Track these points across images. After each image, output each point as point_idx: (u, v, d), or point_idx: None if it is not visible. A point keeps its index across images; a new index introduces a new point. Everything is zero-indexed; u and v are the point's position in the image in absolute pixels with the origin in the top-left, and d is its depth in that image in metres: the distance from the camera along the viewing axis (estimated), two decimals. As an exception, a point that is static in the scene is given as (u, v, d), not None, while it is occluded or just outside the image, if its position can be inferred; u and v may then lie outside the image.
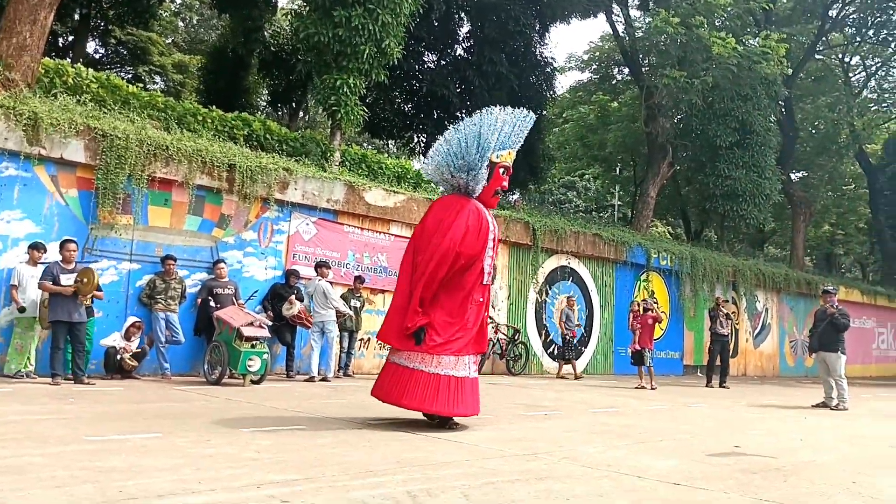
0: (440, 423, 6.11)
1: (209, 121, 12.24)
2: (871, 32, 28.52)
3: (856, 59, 30.87)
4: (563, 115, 32.72)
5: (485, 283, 6.23)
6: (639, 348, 13.33)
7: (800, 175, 31.99)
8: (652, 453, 5.39)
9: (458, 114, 21.62)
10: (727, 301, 16.14)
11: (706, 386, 14.31)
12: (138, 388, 8.41)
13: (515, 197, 19.55)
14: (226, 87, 20.06)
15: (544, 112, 24.92)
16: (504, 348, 14.13)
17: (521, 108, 6.49)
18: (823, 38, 27.79)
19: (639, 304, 14.10)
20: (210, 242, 10.70)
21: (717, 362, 14.73)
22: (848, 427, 8.28)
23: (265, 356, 9.21)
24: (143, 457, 4.25)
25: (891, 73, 31.44)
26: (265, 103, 26.38)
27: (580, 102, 31.82)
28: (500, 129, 6.23)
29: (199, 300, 10.16)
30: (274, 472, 4.01)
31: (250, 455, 4.49)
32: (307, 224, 11.77)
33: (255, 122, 13.01)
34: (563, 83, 34.74)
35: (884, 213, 31.00)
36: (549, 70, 23.64)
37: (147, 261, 10.01)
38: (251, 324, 9.18)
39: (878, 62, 30.58)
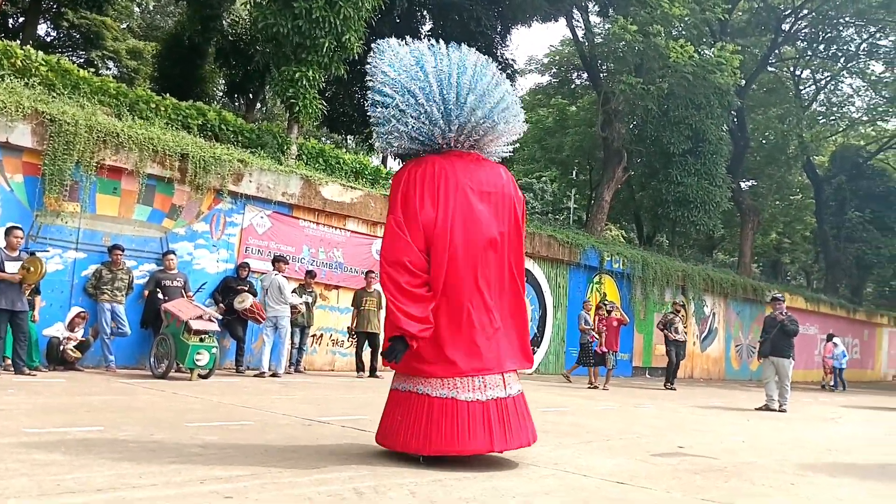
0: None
1: (162, 109, 11.97)
2: (821, 47, 29.44)
3: (806, 73, 31.82)
4: (523, 117, 32.88)
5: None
6: (605, 350, 13.57)
7: (749, 184, 32.83)
8: (598, 452, 5.46)
9: (417, 111, 21.62)
10: (683, 305, 16.44)
11: (669, 389, 14.38)
12: (81, 379, 8.18)
13: (473, 197, 19.56)
14: (181, 75, 19.62)
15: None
16: (457, 347, 14.14)
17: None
18: (776, 51, 28.56)
19: (604, 307, 14.35)
20: (160, 233, 10.47)
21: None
22: (788, 430, 8.52)
23: (214, 350, 9.06)
24: (84, 450, 4.13)
25: (839, 87, 32.50)
26: (221, 93, 25.91)
27: (539, 105, 32.09)
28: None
29: (147, 292, 9.93)
30: (219, 467, 3.94)
31: (195, 450, 4.41)
32: (261, 217, 11.61)
33: (210, 112, 12.77)
34: (524, 85, 34.95)
35: (828, 223, 32.03)
36: (509, 72, 23.71)
37: (94, 250, 9.74)
38: (200, 317, 9.02)
39: (828, 76, 31.56)
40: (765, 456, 5.96)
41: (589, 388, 13.14)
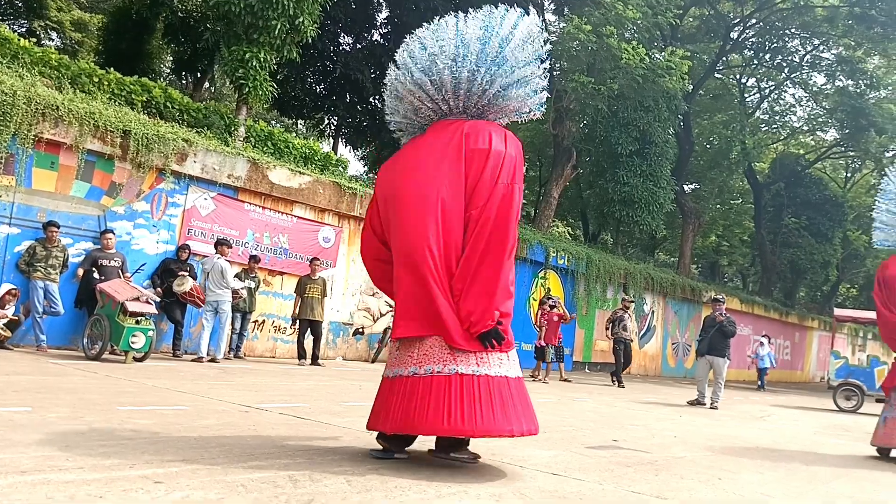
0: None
1: (106, 83, 11.60)
2: (767, 57, 30.34)
3: (751, 81, 32.76)
4: (475, 111, 33.01)
5: None
6: (543, 344, 13.78)
7: (692, 187, 33.66)
8: (535, 444, 5.54)
9: (371, 99, 21.46)
10: (633, 301, 16.63)
11: (619, 387, 14.40)
12: (10, 358, 7.90)
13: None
14: (127, 49, 19.01)
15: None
16: (401, 337, 14.14)
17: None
18: (723, 58, 29.30)
19: (546, 302, 14.54)
20: (98, 211, 10.16)
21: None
22: (719, 426, 8.80)
23: (150, 333, 8.85)
24: (10, 431, 4.00)
25: (782, 96, 33.57)
26: (168, 70, 25.22)
27: (493, 99, 32.19)
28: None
29: (83, 271, 9.64)
30: (150, 452, 3.86)
31: (126, 434, 4.31)
32: (205, 199, 11.37)
33: (155, 89, 12.43)
34: (478, 78, 34.97)
35: (766, 228, 33.10)
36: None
37: (28, 226, 9.40)
38: (137, 298, 8.81)
39: (772, 85, 32.56)
40: (695, 451, 6.15)
41: (532, 380, 13.33)
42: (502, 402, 4.03)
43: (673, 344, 23.78)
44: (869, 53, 28.37)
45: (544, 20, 23.72)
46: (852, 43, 27.60)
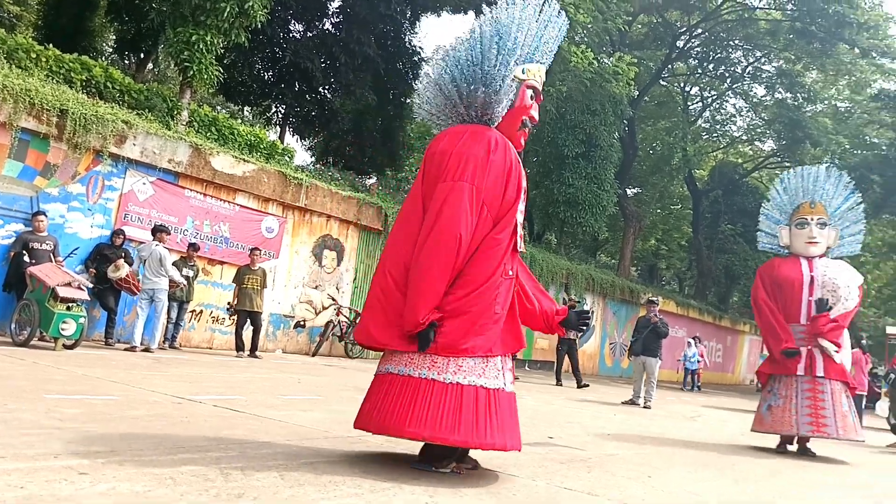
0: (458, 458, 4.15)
1: (44, 60, 11.16)
2: (710, 66, 31.18)
3: (695, 90, 33.64)
4: (426, 106, 33.01)
5: (519, 248, 4.31)
6: None
7: (634, 191, 34.39)
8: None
9: (320, 89, 21.20)
10: (578, 302, 16.77)
11: (556, 385, 14.53)
12: (-73, 344, 7.54)
13: (372, 181, 19.51)
14: (68, 26, 18.32)
15: (408, 100, 25.01)
16: (344, 331, 14.06)
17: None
18: (669, 66, 30.00)
19: None
20: (30, 192, 9.77)
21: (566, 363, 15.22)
22: (652, 425, 9.02)
23: (82, 320, 8.56)
24: (-79, 420, 3.81)
25: (724, 106, 34.57)
26: (111, 49, 24.40)
27: (443, 95, 32.23)
28: (528, 30, 4.34)
29: (12, 253, 9.25)
30: (77, 442, 3.74)
31: (52, 423, 4.16)
32: (144, 183, 11.06)
33: (95, 68, 12.01)
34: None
35: (703, 234, 34.05)
36: (416, 59, 23.72)
37: (-48, 204, 8.98)
38: (68, 284, 8.51)
39: (714, 95, 33.49)
40: (627, 449, 6.29)
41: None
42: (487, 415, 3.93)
43: (611, 344, 24.26)
44: (807, 68, 29.45)
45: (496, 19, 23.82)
46: (792, 57, 28.61)
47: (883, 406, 11.68)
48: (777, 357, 7.50)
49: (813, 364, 7.40)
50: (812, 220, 7.73)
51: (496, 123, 4.25)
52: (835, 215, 7.82)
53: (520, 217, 4.25)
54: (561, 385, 14.61)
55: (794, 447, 7.74)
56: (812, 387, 7.35)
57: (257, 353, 11.35)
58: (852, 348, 11.63)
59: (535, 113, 4.37)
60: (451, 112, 4.36)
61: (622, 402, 11.95)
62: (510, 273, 4.17)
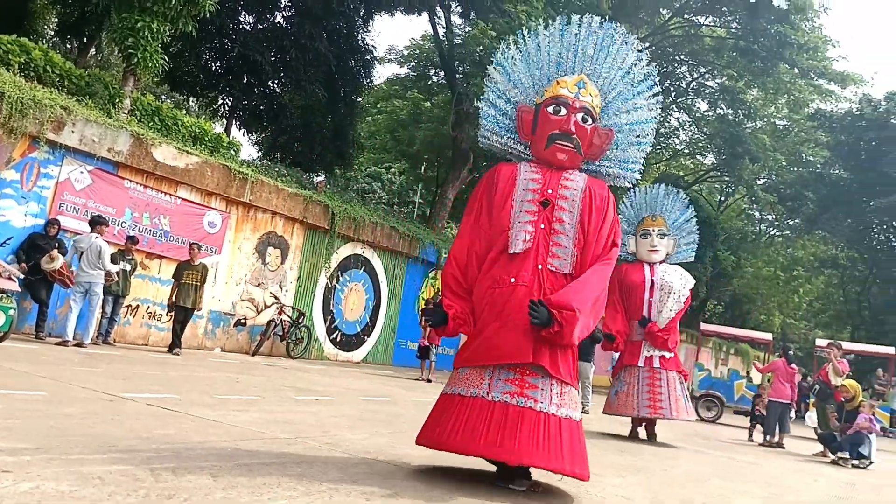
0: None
1: (-22, 40, 10.73)
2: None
3: (641, 103, 34.34)
4: (378, 106, 32.90)
5: (512, 251, 4.32)
6: (427, 344, 13.95)
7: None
8: (412, 443, 5.57)
9: (270, 82, 20.91)
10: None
11: None
12: None
13: (320, 179, 19.34)
14: (7, 7, 17.64)
15: (359, 98, 24.87)
16: (286, 330, 13.88)
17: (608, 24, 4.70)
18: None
19: (433, 303, 14.67)
20: (-42, 176, 9.36)
21: None
22: (588, 430, 9.16)
23: (11, 312, 8.22)
24: None
25: (668, 119, 35.40)
26: (52, 32, 23.61)
27: (395, 96, 32.16)
28: (541, 56, 4.63)
29: (-64, 241, 8.85)
30: (0, 438, 3.60)
31: (-28, 420, 3.99)
32: (81, 172, 10.70)
33: (35, 51, 11.59)
34: (382, 74, 34.95)
35: (645, 243, 34.76)
36: (368, 57, 23.62)
37: None
38: (-2, 274, 8.17)
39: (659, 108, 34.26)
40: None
41: (416, 380, 13.48)
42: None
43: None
44: (749, 85, 30.40)
45: (450, 22, 23.95)
46: (735, 74, 29.49)
47: (812, 416, 12.14)
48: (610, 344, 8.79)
49: (651, 357, 8.68)
50: (653, 231, 8.92)
51: (532, 151, 4.59)
52: (673, 227, 9.00)
53: (517, 226, 4.36)
54: None
55: (644, 435, 8.96)
56: (651, 375, 8.61)
57: (179, 349, 11.02)
58: (779, 357, 12.14)
59: (566, 124, 4.43)
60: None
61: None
62: (510, 280, 4.28)
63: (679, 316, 8.93)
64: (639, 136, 4.71)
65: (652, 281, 8.81)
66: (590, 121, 4.51)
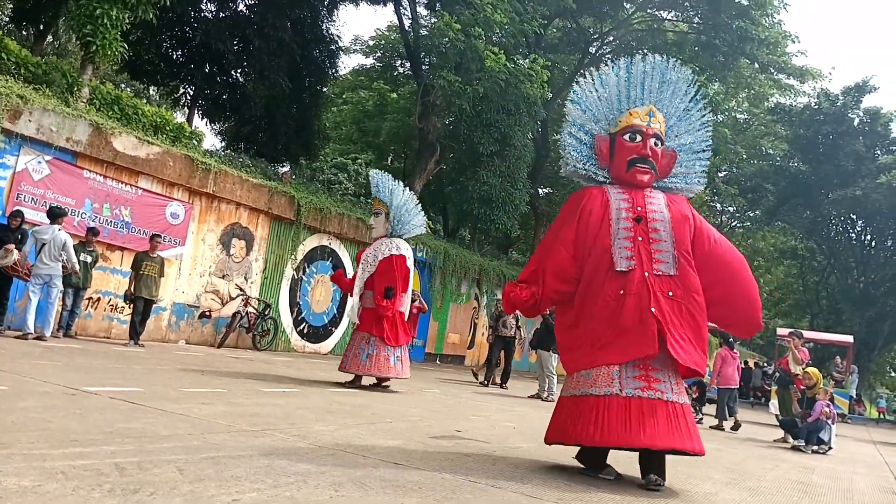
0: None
1: (-73, 24, 10.36)
2: (620, 74, 32.21)
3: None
4: (343, 96, 32.66)
5: (619, 269, 4.86)
6: None
7: (546, 191, 35.15)
8: (380, 434, 5.58)
9: (233, 72, 20.61)
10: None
11: (481, 384, 13.77)
12: None
13: (285, 170, 19.15)
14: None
15: (324, 89, 24.65)
16: (252, 322, 13.75)
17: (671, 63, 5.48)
18: (582, 71, 30.79)
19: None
20: None
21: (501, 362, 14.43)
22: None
23: (-34, 305, 8.01)
24: None
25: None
26: (7, 19, 22.93)
27: (361, 87, 31.96)
28: (608, 93, 5.33)
29: None
30: (-45, 436, 3.51)
31: (-73, 416, 3.89)
32: (39, 162, 10.44)
33: (-12, 37, 11.26)
34: (347, 64, 34.69)
35: (608, 234, 35.14)
36: (333, 48, 23.43)
37: None
38: (-48, 267, 7.94)
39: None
40: (531, 441, 6.44)
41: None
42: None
43: (519, 339, 24.70)
44: (711, 80, 30.83)
45: (416, 13, 23.86)
46: (697, 68, 29.86)
47: (774, 403, 12.53)
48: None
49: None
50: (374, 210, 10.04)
51: (612, 175, 5.26)
52: (392, 208, 9.88)
53: (619, 243, 4.96)
54: (486, 384, 13.77)
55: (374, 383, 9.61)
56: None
57: (140, 340, 10.87)
58: (719, 346, 12.61)
59: (644, 149, 5.12)
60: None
61: (528, 397, 12.22)
62: (619, 292, 4.91)
63: (375, 280, 9.59)
64: (697, 152, 5.42)
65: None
66: (660, 144, 5.24)
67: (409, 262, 9.78)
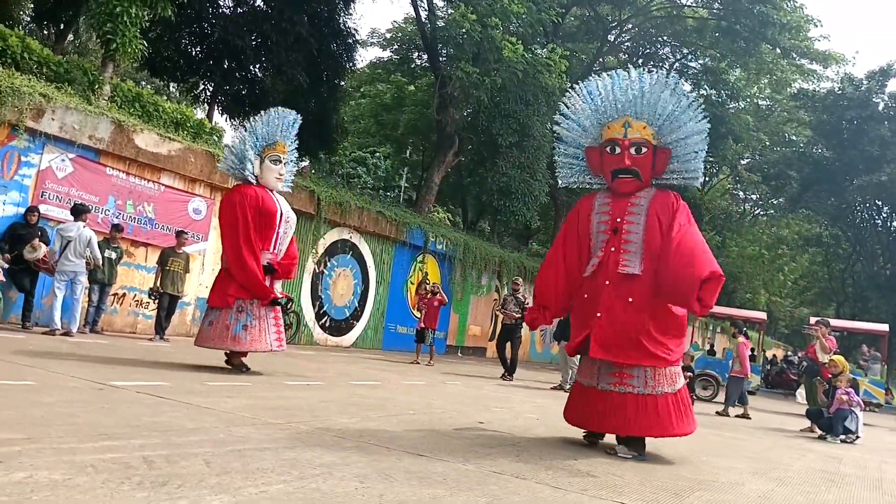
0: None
1: (-47, 26, 10.51)
2: (640, 61, 31.92)
3: (624, 84, 34.38)
4: (361, 90, 32.68)
5: (584, 273, 5.63)
6: (423, 327, 14.03)
7: (566, 181, 34.98)
8: (403, 426, 5.60)
9: (251, 67, 20.68)
10: (518, 283, 15.20)
11: (503, 377, 13.03)
12: None
13: (304, 164, 19.22)
14: (-21, -8, 17.35)
15: (342, 82, 24.68)
16: (273, 316, 13.82)
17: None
18: (600, 59, 30.55)
19: (426, 288, 14.80)
20: (-63, 166, 9.20)
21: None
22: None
23: (-5, 302, 8.15)
24: None
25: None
26: (28, 18, 23.20)
27: (378, 80, 31.97)
28: (608, 93, 5.63)
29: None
30: (-12, 430, 3.56)
31: (-41, 411, 3.95)
32: (63, 160, 10.57)
33: (11, 38, 11.39)
34: (364, 57, 34.71)
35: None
36: (350, 41, 23.42)
37: None
38: (-19, 264, 8.07)
39: (642, 90, 34.33)
40: (555, 433, 6.42)
41: (411, 363, 13.58)
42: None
43: (541, 330, 24.68)
44: (731, 66, 30.49)
45: (432, 5, 23.79)
46: (717, 55, 29.56)
47: (802, 392, 12.45)
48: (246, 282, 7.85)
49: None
50: (283, 158, 8.23)
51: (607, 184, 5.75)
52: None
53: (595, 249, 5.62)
54: (510, 379, 13.04)
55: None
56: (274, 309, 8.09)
57: (166, 335, 11.01)
58: (734, 336, 12.79)
59: (624, 160, 5.49)
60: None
61: (551, 388, 12.18)
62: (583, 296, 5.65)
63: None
64: (694, 150, 5.59)
65: (281, 212, 8.28)
66: (644, 149, 5.51)
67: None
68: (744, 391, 12.28)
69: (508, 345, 13.53)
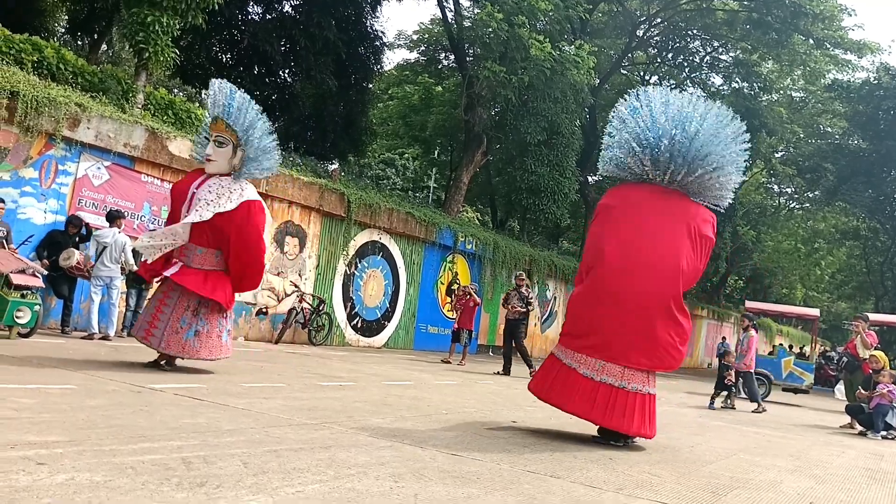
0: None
1: (-8, 40, 10.78)
2: (670, 56, 31.57)
3: (654, 79, 33.96)
4: (389, 92, 32.83)
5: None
6: (458, 328, 14.19)
7: (596, 178, 34.72)
8: (436, 425, 5.61)
9: (280, 72, 20.90)
10: (522, 278, 14.87)
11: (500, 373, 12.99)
12: None
13: (334, 167, 19.36)
14: (18, 6, 17.72)
15: (370, 85, 24.81)
16: (307, 318, 13.97)
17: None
18: (629, 55, 30.27)
19: (461, 288, 15.01)
20: (-21, 176, 9.45)
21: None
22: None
23: (37, 308, 8.34)
24: None
25: (682, 95, 35.03)
26: (63, 30, 23.73)
27: (406, 81, 32.07)
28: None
29: (-39, 240, 8.95)
30: (33, 432, 3.66)
31: (7, 413, 4.06)
32: (99, 168, 10.78)
33: (47, 49, 11.63)
34: (392, 59, 34.87)
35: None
36: (378, 44, 23.53)
37: None
38: (23, 271, 8.28)
39: (673, 84, 33.87)
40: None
41: (442, 362, 13.67)
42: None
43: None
44: (763, 58, 29.96)
45: (458, 5, 23.79)
46: (749, 47, 29.06)
47: (841, 388, 12.21)
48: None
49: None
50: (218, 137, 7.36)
51: None
52: (248, 141, 7.57)
53: None
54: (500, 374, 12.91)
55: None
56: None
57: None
58: (745, 329, 12.76)
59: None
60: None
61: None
62: None
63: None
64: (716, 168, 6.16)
65: (192, 193, 7.26)
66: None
67: (268, 212, 7.93)
68: (750, 385, 12.46)
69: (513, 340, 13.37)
